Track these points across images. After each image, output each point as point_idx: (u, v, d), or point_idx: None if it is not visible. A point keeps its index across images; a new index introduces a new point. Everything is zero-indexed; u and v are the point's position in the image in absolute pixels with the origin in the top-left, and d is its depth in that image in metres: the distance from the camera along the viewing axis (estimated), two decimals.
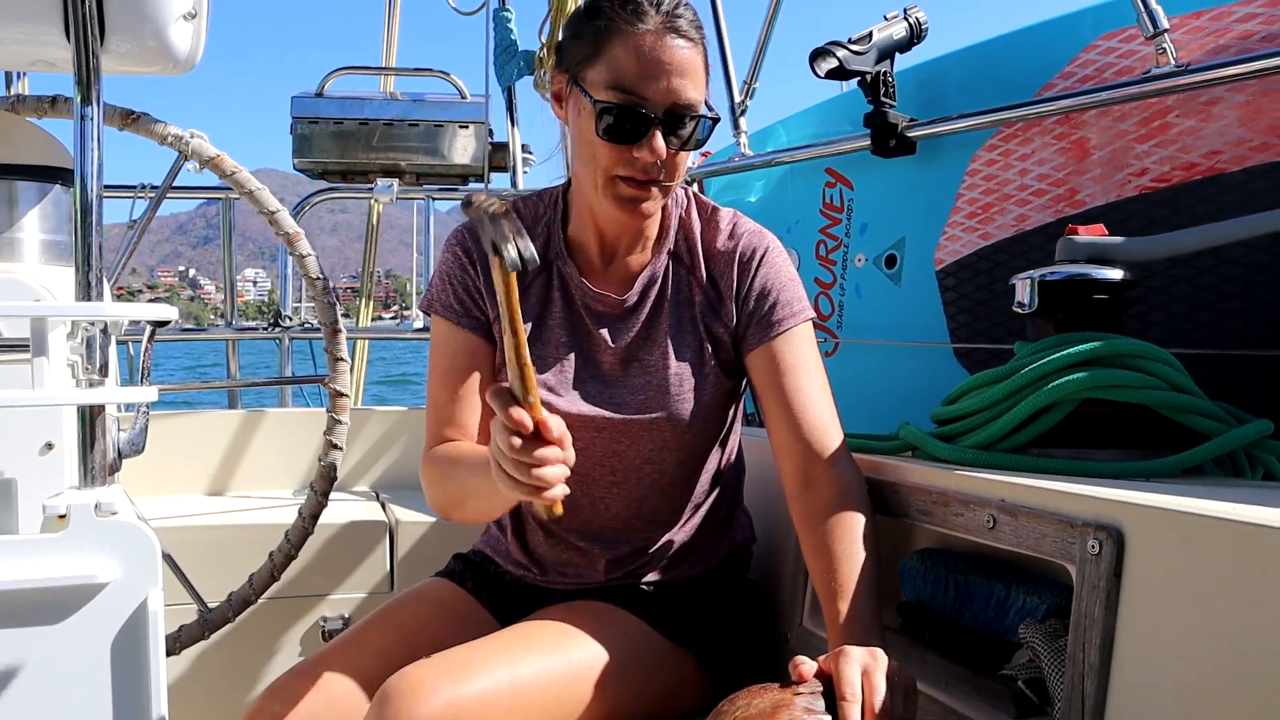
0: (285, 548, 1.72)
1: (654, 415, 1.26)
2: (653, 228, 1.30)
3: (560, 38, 1.25)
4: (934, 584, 1.31)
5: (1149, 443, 1.18)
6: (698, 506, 1.37)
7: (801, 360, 1.26)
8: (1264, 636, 0.80)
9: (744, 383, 1.37)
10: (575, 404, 1.26)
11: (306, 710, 1.18)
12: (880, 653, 0.96)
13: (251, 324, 3.35)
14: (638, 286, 1.29)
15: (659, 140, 1.16)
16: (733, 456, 1.42)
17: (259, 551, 1.74)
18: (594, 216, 1.27)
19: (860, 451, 1.40)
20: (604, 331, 1.29)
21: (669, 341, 1.28)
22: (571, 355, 1.28)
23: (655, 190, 1.21)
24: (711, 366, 1.29)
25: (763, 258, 1.30)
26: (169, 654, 1.64)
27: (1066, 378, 1.16)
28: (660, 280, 1.30)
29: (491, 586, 1.38)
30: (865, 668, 0.93)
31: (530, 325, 1.28)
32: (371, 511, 2.07)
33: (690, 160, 1.25)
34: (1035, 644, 1.09)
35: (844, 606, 1.08)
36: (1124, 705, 0.92)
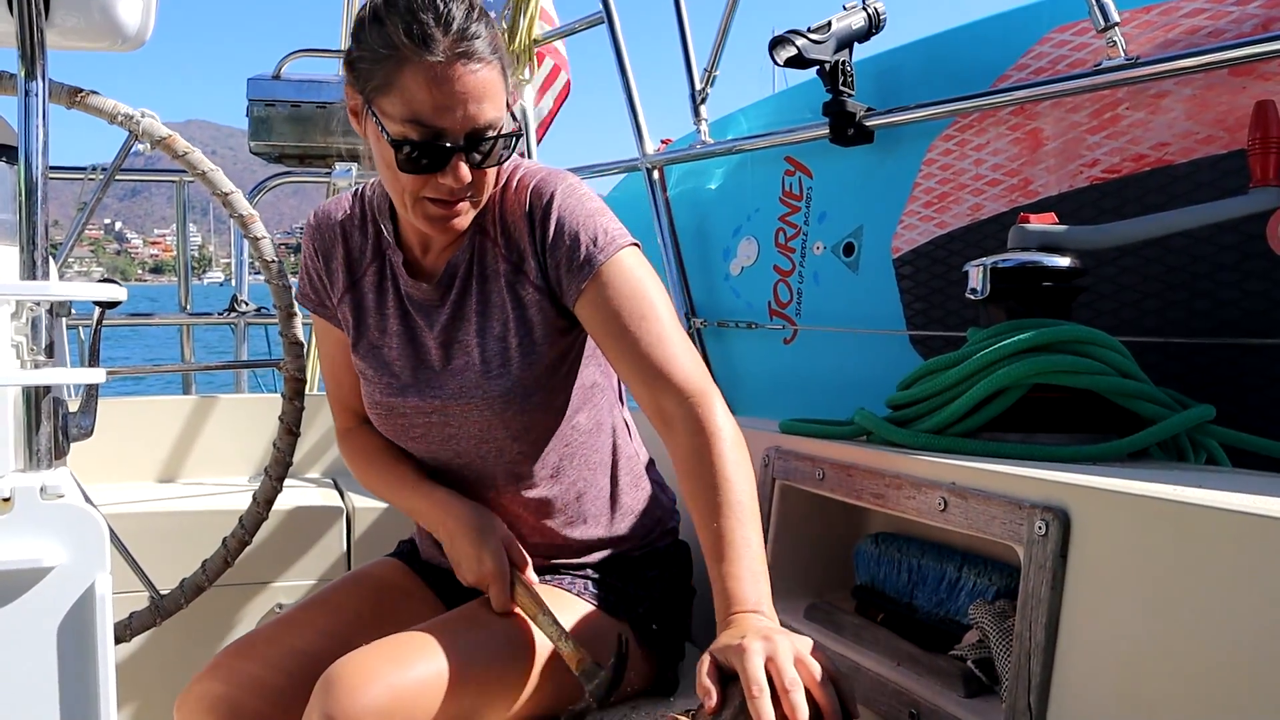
0: (239, 533, 1.70)
1: (472, 398, 1.24)
2: None
3: (350, 46, 1.18)
4: (887, 566, 1.33)
5: (1096, 427, 1.21)
6: (587, 480, 1.32)
7: (622, 296, 1.18)
8: (1203, 614, 0.82)
9: (585, 338, 1.31)
10: (406, 394, 1.29)
11: (246, 687, 1.19)
12: (779, 634, 0.92)
13: (207, 310, 3.31)
14: (446, 271, 1.28)
15: (462, 167, 1.14)
16: (612, 419, 1.37)
17: (213, 537, 1.72)
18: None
19: (816, 436, 1.41)
20: (423, 320, 1.30)
21: (476, 318, 1.26)
22: (409, 345, 1.30)
23: (465, 205, 1.19)
24: (530, 336, 1.24)
25: (549, 202, 1.22)
26: (119, 640, 1.62)
27: (1017, 363, 1.18)
28: (467, 260, 1.27)
29: (439, 568, 1.38)
30: (768, 656, 0.89)
31: (373, 316, 1.33)
32: (328, 497, 2.06)
33: (495, 173, 1.21)
34: (984, 624, 1.11)
35: (725, 569, 1.01)
36: (1069, 683, 0.94)
